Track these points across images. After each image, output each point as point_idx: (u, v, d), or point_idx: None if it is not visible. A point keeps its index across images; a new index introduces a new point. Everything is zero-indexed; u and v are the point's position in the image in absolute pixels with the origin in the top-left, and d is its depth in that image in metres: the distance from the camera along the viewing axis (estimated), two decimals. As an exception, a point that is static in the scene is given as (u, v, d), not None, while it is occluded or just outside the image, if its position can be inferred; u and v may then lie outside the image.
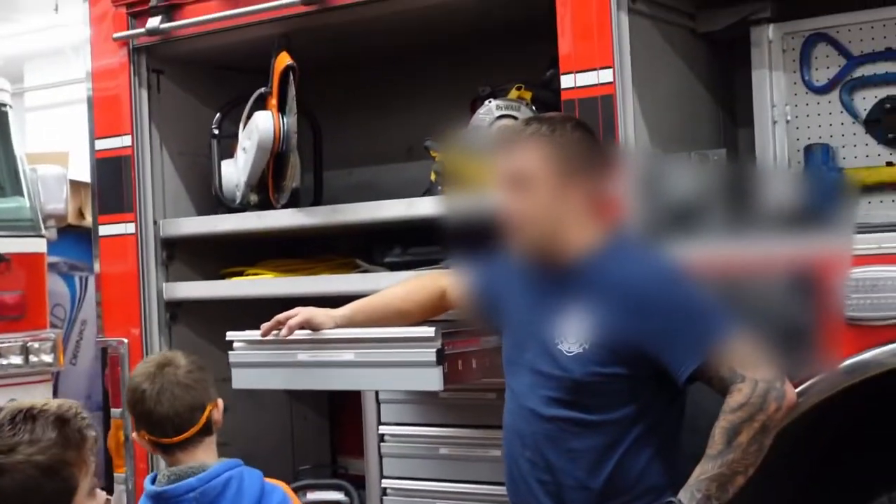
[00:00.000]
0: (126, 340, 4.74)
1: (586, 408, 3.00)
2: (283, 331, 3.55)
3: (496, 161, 3.19)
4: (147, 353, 4.71)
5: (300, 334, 3.60)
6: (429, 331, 3.44)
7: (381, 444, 4.21)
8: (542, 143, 3.09)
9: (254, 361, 3.74)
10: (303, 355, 3.62)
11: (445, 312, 3.62)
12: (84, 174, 8.63)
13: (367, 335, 3.55)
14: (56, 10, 12.70)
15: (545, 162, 3.06)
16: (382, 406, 4.23)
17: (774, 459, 3.32)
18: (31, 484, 2.42)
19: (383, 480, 4.21)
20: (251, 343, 3.74)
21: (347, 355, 3.55)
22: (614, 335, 2.95)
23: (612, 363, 2.96)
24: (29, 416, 2.48)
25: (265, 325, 3.60)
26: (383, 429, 4.21)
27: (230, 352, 3.77)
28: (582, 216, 3.06)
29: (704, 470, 2.86)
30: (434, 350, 3.43)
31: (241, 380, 3.79)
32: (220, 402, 3.29)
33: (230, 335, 3.78)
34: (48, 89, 13.76)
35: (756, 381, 2.85)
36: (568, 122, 3.17)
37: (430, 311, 3.60)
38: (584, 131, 3.16)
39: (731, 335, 2.90)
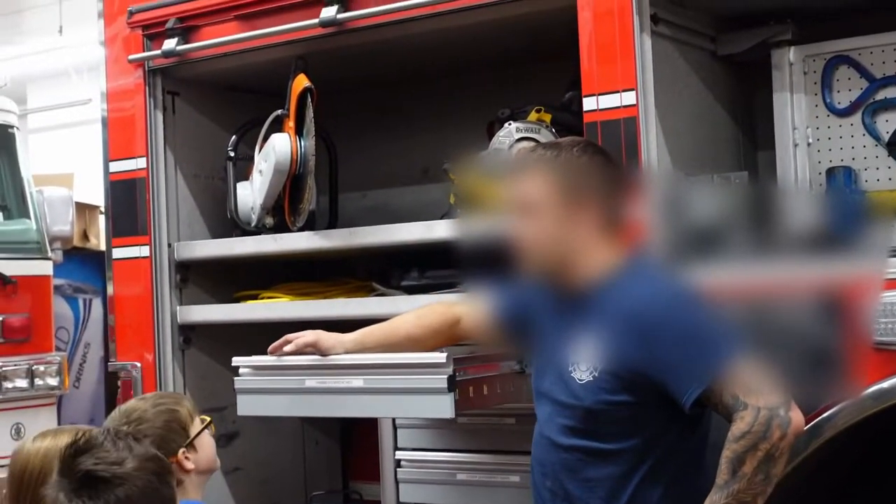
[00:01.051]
0: (139, 364, 4.70)
1: (600, 437, 2.97)
2: (289, 347, 3.54)
3: (506, 185, 3.19)
4: (160, 377, 4.69)
5: (308, 360, 3.57)
6: (440, 357, 3.39)
7: (398, 469, 4.17)
8: (545, 168, 3.08)
9: (260, 388, 3.70)
10: (311, 381, 3.57)
11: (459, 341, 3.58)
12: (89, 196, 8.67)
13: (376, 361, 3.51)
14: (60, 31, 12.72)
15: (548, 187, 3.05)
16: (399, 431, 4.19)
17: (797, 484, 3.30)
18: (151, 490, 2.48)
19: (400, 506, 4.17)
20: (257, 369, 3.70)
21: (356, 381, 3.50)
22: (621, 362, 2.92)
23: (620, 391, 2.92)
24: (116, 434, 2.55)
25: (273, 344, 3.59)
26: (400, 454, 4.17)
27: (235, 377, 3.73)
28: (594, 240, 3.03)
29: (713, 501, 2.81)
30: (445, 376, 3.37)
31: (247, 406, 3.75)
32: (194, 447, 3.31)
33: (236, 360, 3.74)
34: (52, 111, 13.77)
35: (759, 408, 2.79)
36: (575, 145, 3.12)
37: (444, 338, 3.55)
38: (594, 154, 3.10)
39: (736, 361, 2.84)
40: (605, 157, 3.16)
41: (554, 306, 3.13)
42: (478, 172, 4.11)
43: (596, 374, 2.94)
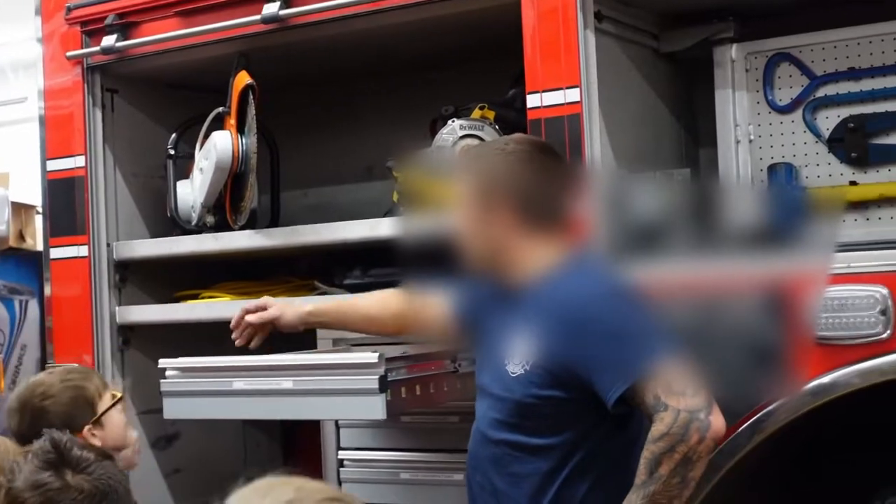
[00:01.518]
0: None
1: (528, 431, 2.95)
2: (252, 318, 3.58)
3: (444, 183, 3.19)
4: (99, 378, 4.62)
5: (237, 361, 3.54)
6: (371, 357, 3.36)
7: (341, 468, 4.14)
8: (471, 166, 3.11)
9: (187, 390, 3.64)
10: (239, 383, 3.53)
11: (417, 332, 3.56)
12: (25, 196, 8.53)
13: (306, 362, 3.49)
14: (-6, 30, 12.53)
15: (474, 184, 3.06)
16: (342, 430, 4.16)
17: (740, 479, 3.32)
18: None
19: (343, 506, 4.13)
20: (185, 371, 3.66)
21: (286, 383, 3.45)
22: (552, 357, 2.90)
23: (550, 385, 2.91)
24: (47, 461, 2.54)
25: (234, 319, 3.62)
26: (343, 454, 4.14)
27: (162, 380, 3.68)
28: (529, 237, 3.02)
29: (630, 501, 2.79)
30: (377, 377, 3.33)
31: (174, 409, 3.70)
32: None
33: (162, 363, 3.70)
34: (-14, 110, 13.57)
35: (679, 410, 2.76)
36: (508, 143, 3.13)
37: (401, 325, 3.54)
38: (527, 151, 3.08)
39: (662, 361, 2.81)
40: (544, 153, 3.13)
41: (494, 302, 3.13)
42: (420, 170, 4.10)
43: (527, 368, 2.93)
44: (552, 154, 3.17)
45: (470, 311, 3.26)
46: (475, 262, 3.11)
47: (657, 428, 2.77)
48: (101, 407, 3.48)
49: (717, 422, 2.79)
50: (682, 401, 2.77)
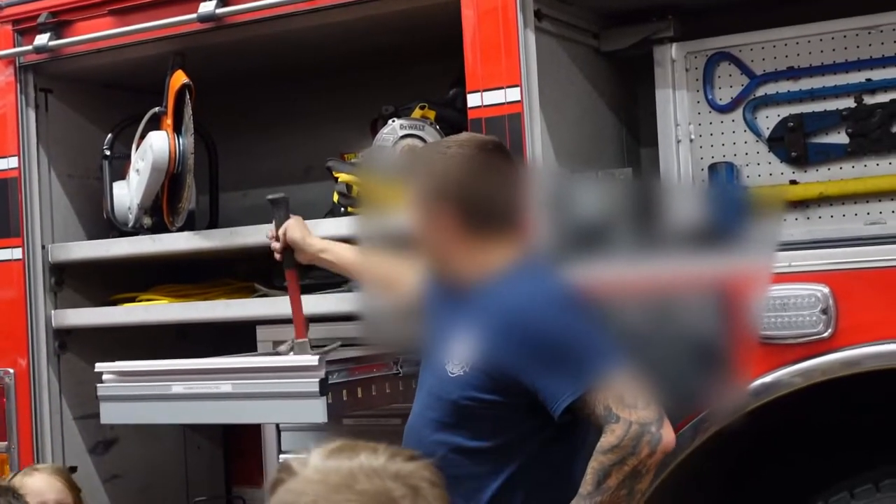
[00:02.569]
0: (13, 371, 4.55)
1: (465, 433, 2.91)
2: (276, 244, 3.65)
3: (393, 183, 3.16)
4: (34, 383, 4.55)
5: (175, 364, 3.50)
6: (312, 360, 3.33)
7: (283, 473, 4.09)
8: (417, 167, 3.10)
9: (124, 394, 3.60)
10: (177, 387, 3.50)
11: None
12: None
13: (246, 365, 3.45)
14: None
15: (420, 184, 3.04)
16: (283, 434, 4.12)
17: (685, 478, 3.32)
18: None
19: (285, 512, 4.08)
20: (122, 375, 3.61)
21: (225, 387, 3.43)
22: (493, 362, 2.86)
23: (488, 389, 2.87)
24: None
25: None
26: (284, 457, 4.09)
27: (98, 384, 3.62)
28: (475, 238, 2.98)
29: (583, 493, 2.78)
30: (318, 380, 3.31)
31: (111, 414, 3.66)
32: None
33: (99, 366, 3.65)
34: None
35: (631, 423, 2.74)
36: (452, 144, 3.08)
37: (392, 284, 3.46)
38: (470, 152, 3.02)
39: (612, 372, 2.79)
40: (489, 153, 3.06)
41: (442, 300, 3.09)
42: (369, 169, 4.06)
43: (467, 370, 2.89)
44: (499, 154, 3.09)
45: (424, 305, 3.21)
46: (426, 262, 3.11)
47: (607, 439, 2.75)
48: None
49: (668, 435, 2.78)
50: (633, 413, 2.75)
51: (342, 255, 3.60)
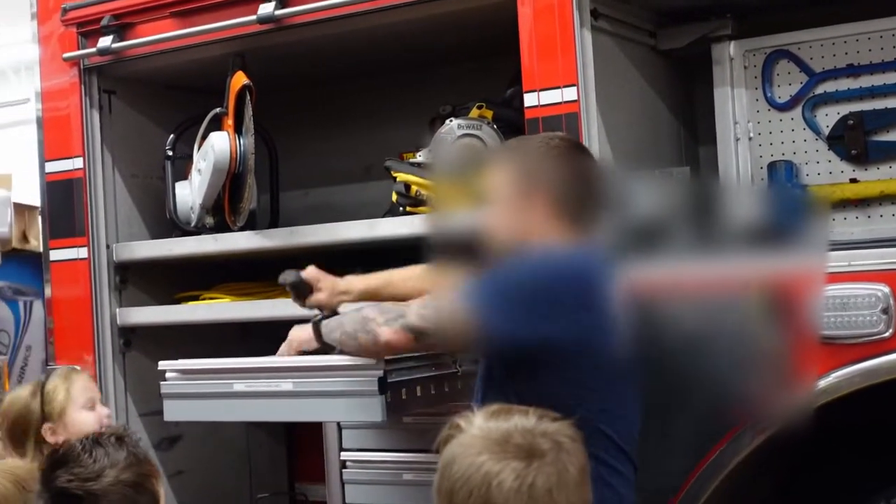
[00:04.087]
0: (79, 368, 4.62)
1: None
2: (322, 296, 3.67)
3: (472, 180, 3.16)
4: (101, 380, 4.62)
5: (237, 363, 3.53)
6: (370, 358, 3.36)
7: (344, 470, 4.11)
8: (514, 157, 3.07)
9: (187, 392, 3.62)
10: (239, 385, 3.50)
11: None
12: (28, 197, 8.53)
13: (307, 363, 3.46)
14: (-5, 30, 12.52)
15: (504, 179, 3.04)
16: (344, 431, 4.14)
17: (743, 479, 3.31)
18: (127, 502, 2.50)
19: (346, 508, 4.12)
20: (185, 373, 3.63)
21: (286, 385, 3.43)
22: None
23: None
24: (95, 442, 2.56)
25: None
26: (345, 454, 4.11)
27: (162, 382, 3.65)
28: (559, 232, 2.98)
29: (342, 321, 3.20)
30: (376, 378, 3.30)
31: (174, 412, 3.67)
32: None
33: (162, 364, 3.67)
34: (-12, 111, 13.57)
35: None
36: (554, 137, 3.12)
37: None
38: (567, 146, 3.07)
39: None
40: (581, 151, 3.13)
41: None
42: (436, 169, 4.06)
43: None
44: (586, 152, 3.17)
45: None
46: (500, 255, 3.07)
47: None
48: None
49: (390, 335, 3.04)
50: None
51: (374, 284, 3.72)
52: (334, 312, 3.58)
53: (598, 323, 2.86)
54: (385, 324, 3.04)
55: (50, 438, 3.61)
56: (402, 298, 3.47)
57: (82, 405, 3.80)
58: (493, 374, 2.98)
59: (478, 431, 2.24)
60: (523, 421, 2.27)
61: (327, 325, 3.35)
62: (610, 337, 2.87)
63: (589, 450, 2.80)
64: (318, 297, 3.63)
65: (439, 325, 2.95)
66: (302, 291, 3.66)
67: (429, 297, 3.04)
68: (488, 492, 2.16)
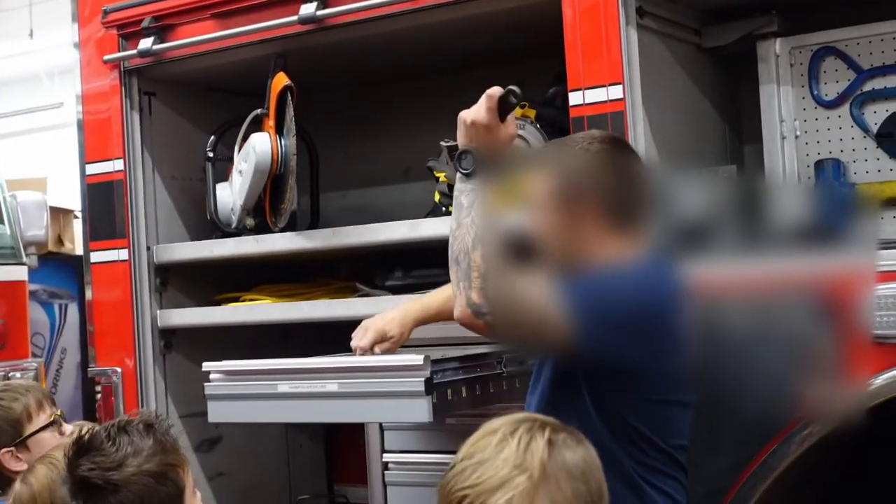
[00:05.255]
0: (120, 370, 4.63)
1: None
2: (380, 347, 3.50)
3: (518, 180, 3.10)
4: (141, 382, 4.62)
5: (281, 364, 3.51)
6: (417, 359, 3.30)
7: (386, 472, 4.10)
8: (554, 164, 2.99)
9: (231, 393, 3.60)
10: (283, 386, 3.48)
11: None
12: (63, 200, 8.59)
13: (351, 364, 3.44)
14: (31, 35, 12.61)
15: (559, 184, 2.94)
16: (386, 433, 4.12)
17: (796, 480, 3.28)
18: (148, 493, 2.45)
19: (388, 510, 4.10)
20: (229, 374, 3.62)
21: (331, 386, 3.40)
22: None
23: None
24: (121, 429, 2.50)
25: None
26: (387, 456, 4.10)
27: (206, 384, 3.64)
28: (611, 239, 2.89)
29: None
30: (423, 379, 3.26)
31: (218, 413, 3.65)
32: None
33: (206, 366, 3.65)
34: (23, 115, 13.65)
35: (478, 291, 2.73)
36: (593, 140, 2.98)
37: None
38: (609, 147, 2.96)
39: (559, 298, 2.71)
40: (623, 150, 3.01)
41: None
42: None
43: None
44: (629, 150, 3.06)
45: None
46: (550, 261, 2.95)
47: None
48: (31, 428, 3.43)
49: (465, 314, 2.77)
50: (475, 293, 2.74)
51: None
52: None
53: (678, 343, 2.82)
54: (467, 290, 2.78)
55: (13, 465, 3.38)
56: None
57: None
58: (567, 380, 2.86)
59: None
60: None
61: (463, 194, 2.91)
62: (684, 352, 2.84)
63: (641, 458, 2.81)
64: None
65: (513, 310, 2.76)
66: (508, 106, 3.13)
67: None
68: None
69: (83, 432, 2.52)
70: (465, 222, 2.83)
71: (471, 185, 2.87)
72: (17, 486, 2.92)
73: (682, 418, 2.90)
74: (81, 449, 2.48)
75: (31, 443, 3.39)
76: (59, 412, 3.58)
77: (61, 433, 3.51)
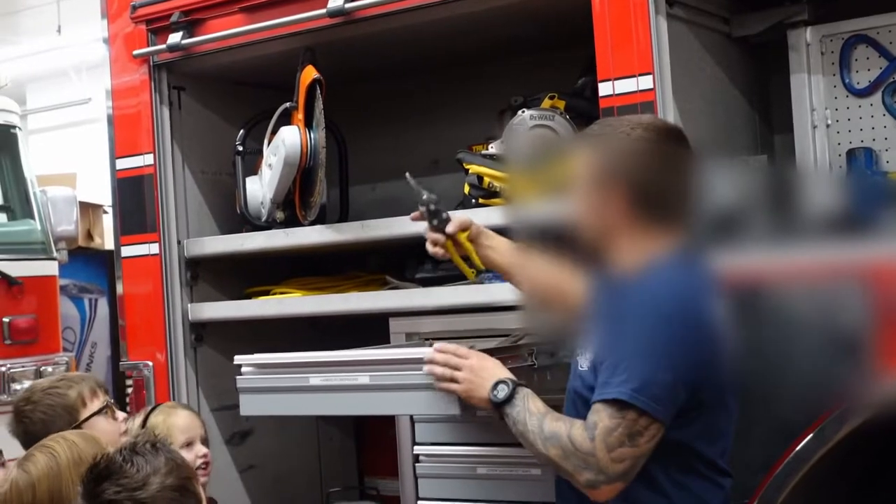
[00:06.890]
0: (151, 363, 4.65)
1: None
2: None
3: (548, 170, 3.10)
4: (172, 376, 4.64)
5: (313, 357, 3.51)
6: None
7: (417, 464, 4.10)
8: (595, 144, 2.96)
9: (263, 386, 3.60)
10: (315, 379, 3.47)
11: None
12: (92, 195, 8.63)
13: (383, 357, 3.44)
14: (59, 31, 12.66)
15: (596, 164, 2.91)
16: (417, 425, 4.12)
17: (828, 471, 3.26)
18: None
19: (419, 502, 4.10)
20: (260, 367, 3.62)
21: (362, 378, 3.39)
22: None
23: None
24: (132, 451, 2.55)
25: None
26: (418, 448, 4.10)
27: (237, 377, 3.64)
28: (638, 227, 2.88)
29: (532, 411, 2.89)
30: None
31: (250, 406, 3.66)
32: None
33: (238, 359, 3.66)
34: (51, 111, 13.72)
35: (592, 455, 2.72)
36: (637, 126, 2.93)
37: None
38: (653, 137, 2.90)
39: (633, 403, 2.69)
40: (670, 141, 2.95)
41: (594, 290, 3.04)
42: (514, 159, 4.02)
43: (587, 366, 2.88)
44: (679, 141, 2.98)
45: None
46: (586, 247, 2.98)
47: (573, 438, 2.76)
48: (85, 414, 3.56)
49: (604, 494, 2.78)
50: (602, 453, 2.73)
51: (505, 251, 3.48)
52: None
53: (720, 354, 2.83)
54: (584, 481, 2.78)
55: None
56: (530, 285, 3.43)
57: (181, 443, 3.73)
58: None
59: None
60: None
61: (516, 411, 2.99)
62: (725, 359, 2.84)
63: (684, 465, 2.80)
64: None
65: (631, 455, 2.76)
66: (439, 222, 3.46)
67: (604, 425, 2.74)
68: None
69: (98, 460, 2.56)
70: (530, 440, 2.90)
71: (511, 407, 2.98)
72: (14, 471, 2.96)
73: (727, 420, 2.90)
74: (101, 475, 2.51)
75: (86, 427, 3.50)
76: (111, 400, 3.74)
77: (114, 418, 3.71)
